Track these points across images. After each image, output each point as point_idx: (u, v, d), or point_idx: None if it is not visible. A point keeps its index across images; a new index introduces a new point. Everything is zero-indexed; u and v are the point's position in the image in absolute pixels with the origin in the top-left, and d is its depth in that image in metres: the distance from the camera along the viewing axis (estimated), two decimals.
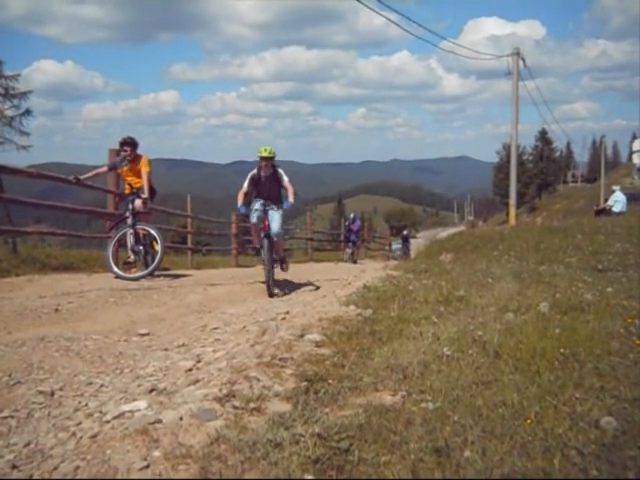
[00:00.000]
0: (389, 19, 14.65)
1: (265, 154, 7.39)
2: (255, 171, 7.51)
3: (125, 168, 8.31)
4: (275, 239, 7.38)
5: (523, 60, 22.90)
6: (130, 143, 8.23)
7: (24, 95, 19.74)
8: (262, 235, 7.40)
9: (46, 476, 1.85)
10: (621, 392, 2.41)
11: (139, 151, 8.41)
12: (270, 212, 7.41)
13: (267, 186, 7.51)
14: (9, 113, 19.31)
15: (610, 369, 2.72)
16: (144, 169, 8.18)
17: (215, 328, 4.33)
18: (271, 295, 6.95)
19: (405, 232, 33.49)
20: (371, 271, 9.53)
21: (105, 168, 8.42)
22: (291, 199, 7.44)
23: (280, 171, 7.55)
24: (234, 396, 2.44)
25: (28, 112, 19.71)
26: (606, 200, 21.37)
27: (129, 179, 8.38)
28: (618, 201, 19.02)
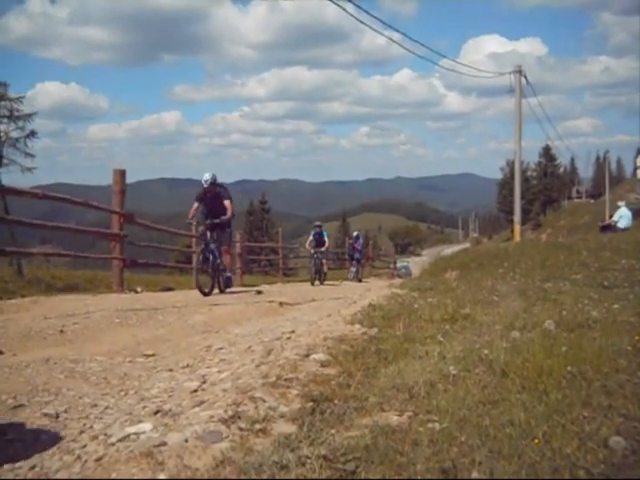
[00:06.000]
0: (392, 39, 14.78)
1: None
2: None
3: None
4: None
5: (525, 77, 23.06)
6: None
7: (29, 117, 19.83)
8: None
9: None
10: (629, 410, 2.39)
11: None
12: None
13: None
14: (14, 135, 19.40)
15: (618, 387, 2.69)
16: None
17: (220, 348, 4.31)
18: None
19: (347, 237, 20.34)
20: (376, 289, 9.52)
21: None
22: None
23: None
24: (239, 417, 2.42)
25: (33, 134, 19.80)
26: (611, 216, 21.34)
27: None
28: (623, 217, 18.99)
